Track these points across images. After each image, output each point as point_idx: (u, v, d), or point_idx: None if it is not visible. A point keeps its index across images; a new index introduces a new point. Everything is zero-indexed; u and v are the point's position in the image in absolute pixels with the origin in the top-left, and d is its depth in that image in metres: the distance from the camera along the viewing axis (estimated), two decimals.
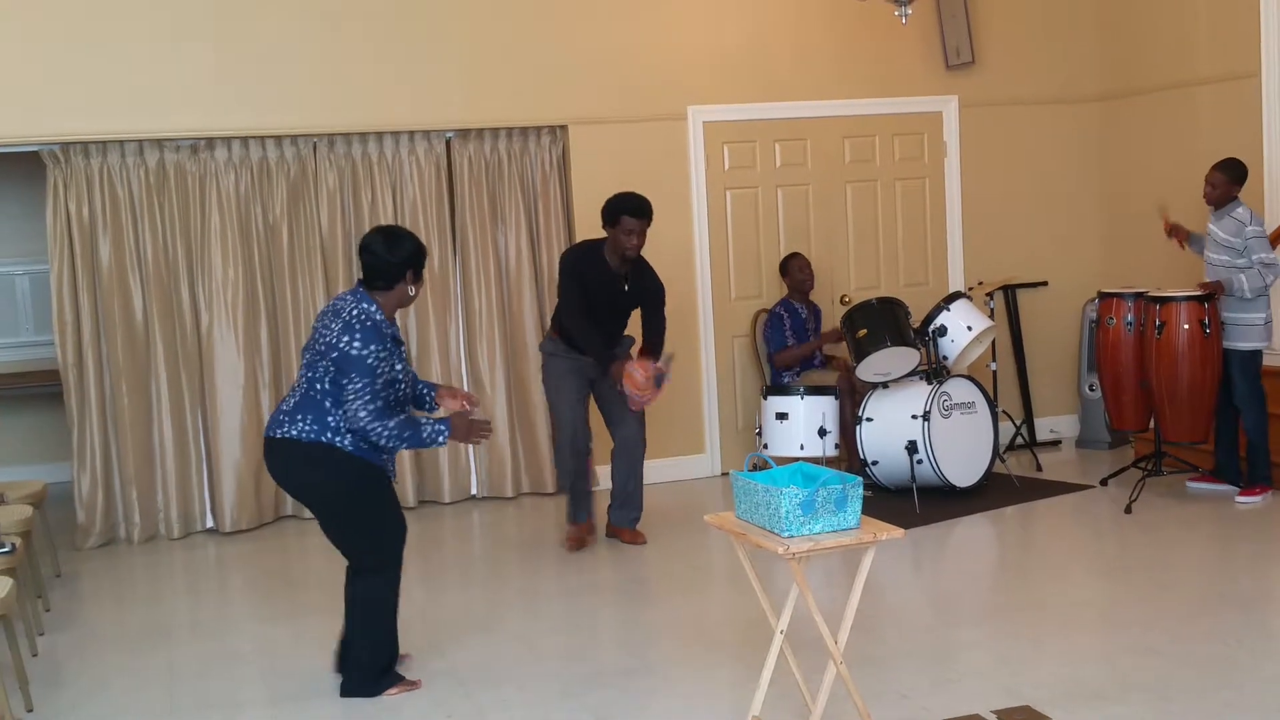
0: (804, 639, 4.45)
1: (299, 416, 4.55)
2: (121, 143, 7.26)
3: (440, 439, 4.63)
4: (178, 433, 7.43)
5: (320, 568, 6.84)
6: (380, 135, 7.64)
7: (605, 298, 6.39)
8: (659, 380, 6.22)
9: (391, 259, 4.60)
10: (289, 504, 7.68)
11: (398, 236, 4.69)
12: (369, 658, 4.74)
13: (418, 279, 4.69)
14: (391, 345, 4.57)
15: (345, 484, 4.58)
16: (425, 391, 4.88)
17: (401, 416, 4.56)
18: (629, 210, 6.28)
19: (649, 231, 6.37)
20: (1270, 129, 7.34)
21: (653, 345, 6.43)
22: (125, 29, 7.16)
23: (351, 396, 4.45)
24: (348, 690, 4.75)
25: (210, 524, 7.54)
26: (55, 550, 6.83)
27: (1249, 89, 7.44)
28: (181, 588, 6.65)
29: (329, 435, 4.53)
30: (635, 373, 6.19)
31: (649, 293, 6.49)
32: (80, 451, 7.32)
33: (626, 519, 6.67)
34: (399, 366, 4.63)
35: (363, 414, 4.45)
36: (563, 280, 6.46)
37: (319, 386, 4.54)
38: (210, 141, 7.39)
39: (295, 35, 7.40)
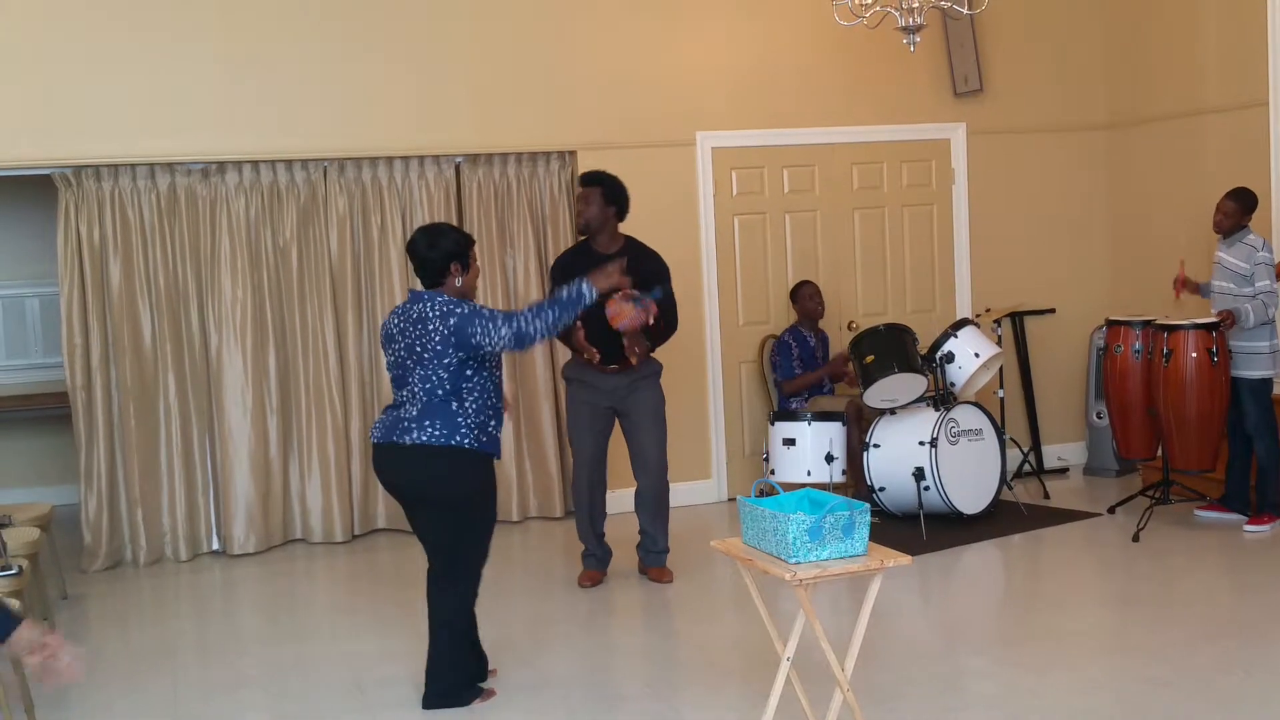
0: (811, 666, 4.44)
1: (427, 423, 4.62)
2: (133, 166, 7.30)
3: (587, 292, 4.73)
4: (185, 455, 7.44)
5: (327, 592, 6.86)
6: (390, 160, 7.67)
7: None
8: (636, 301, 5.92)
9: (431, 255, 4.72)
10: (298, 527, 7.67)
11: (438, 231, 4.81)
12: (456, 670, 4.83)
13: (465, 270, 4.76)
14: None
15: (470, 487, 4.71)
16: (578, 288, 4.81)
17: (525, 310, 4.69)
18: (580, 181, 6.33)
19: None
20: (1279, 158, 7.34)
21: (662, 318, 6.08)
22: (137, 53, 7.20)
23: (490, 333, 4.57)
24: (432, 703, 4.79)
25: (217, 546, 7.55)
26: (62, 572, 6.84)
27: (1258, 118, 7.44)
28: (188, 610, 6.64)
29: (458, 438, 4.63)
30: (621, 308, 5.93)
31: (653, 275, 6.13)
32: (87, 474, 7.32)
33: (656, 561, 6.57)
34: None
35: (504, 331, 4.59)
36: (551, 282, 6.39)
37: (440, 392, 4.62)
38: (221, 165, 7.43)
39: (306, 60, 7.44)
